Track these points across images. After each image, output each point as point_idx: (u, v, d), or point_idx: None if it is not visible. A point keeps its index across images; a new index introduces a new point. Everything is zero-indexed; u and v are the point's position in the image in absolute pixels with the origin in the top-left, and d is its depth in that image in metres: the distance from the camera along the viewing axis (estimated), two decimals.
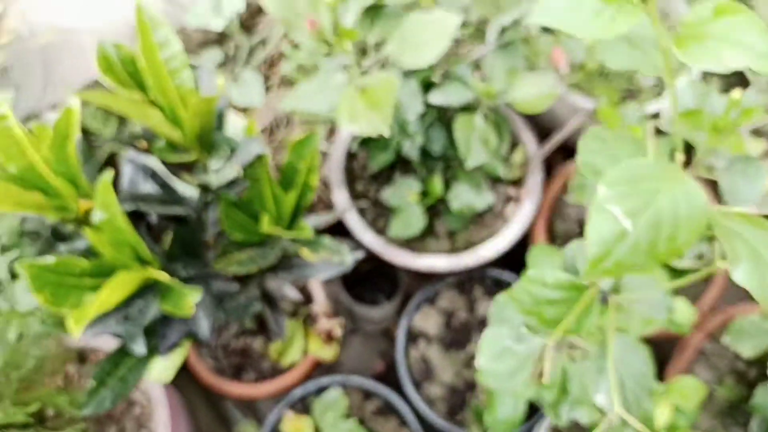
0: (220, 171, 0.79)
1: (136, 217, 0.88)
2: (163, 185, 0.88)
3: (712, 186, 1.07)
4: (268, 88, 1.43)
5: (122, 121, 1.17)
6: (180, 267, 0.86)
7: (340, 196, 1.16)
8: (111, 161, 1.09)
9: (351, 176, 1.21)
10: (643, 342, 0.60)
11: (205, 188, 0.87)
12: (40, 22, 1.34)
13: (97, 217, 0.71)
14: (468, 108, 0.88)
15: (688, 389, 0.75)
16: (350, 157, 1.21)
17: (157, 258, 0.78)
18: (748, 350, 0.91)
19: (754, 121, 0.89)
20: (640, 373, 0.47)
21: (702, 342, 1.14)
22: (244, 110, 1.36)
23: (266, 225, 0.79)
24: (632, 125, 0.89)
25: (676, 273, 0.85)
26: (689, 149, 1.29)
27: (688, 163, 0.97)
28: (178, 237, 0.87)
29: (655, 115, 1.06)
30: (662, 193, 0.30)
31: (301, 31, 0.71)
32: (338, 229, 1.26)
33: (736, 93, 0.82)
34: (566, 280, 0.41)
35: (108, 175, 0.68)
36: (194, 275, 0.87)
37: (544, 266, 0.65)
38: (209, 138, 0.83)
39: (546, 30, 1.20)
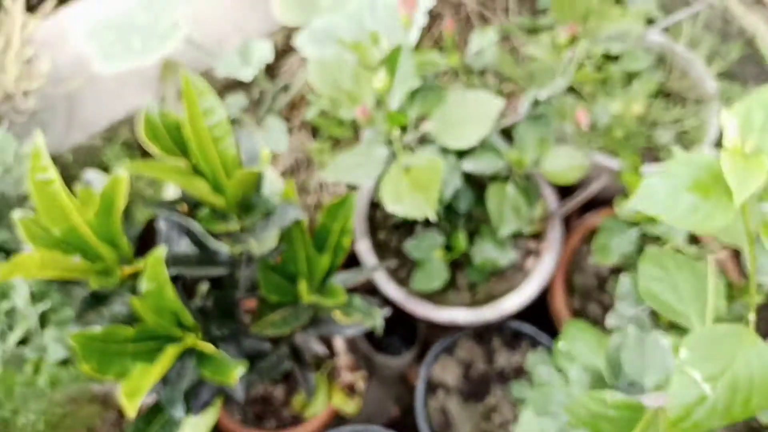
0: (261, 237, 0.81)
1: (173, 279, 0.90)
2: (199, 244, 0.90)
3: None
4: (289, 130, 1.45)
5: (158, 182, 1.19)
6: (214, 327, 0.87)
7: (363, 246, 1.17)
8: (149, 222, 1.11)
9: (373, 225, 1.23)
10: None
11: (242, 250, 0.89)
12: (67, 65, 1.36)
13: (144, 286, 0.73)
14: (498, 176, 0.90)
15: None
16: (373, 205, 1.23)
17: (198, 323, 0.80)
18: None
19: None
20: None
21: None
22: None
23: (304, 292, 0.81)
24: None
25: None
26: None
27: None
28: (213, 296, 0.89)
29: None
30: (738, 358, 0.32)
31: (347, 109, 0.73)
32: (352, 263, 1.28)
33: None
34: (625, 403, 0.43)
35: (161, 250, 0.70)
36: (227, 334, 0.89)
37: (579, 345, 0.67)
38: (250, 202, 0.85)
39: (570, 92, 1.23)
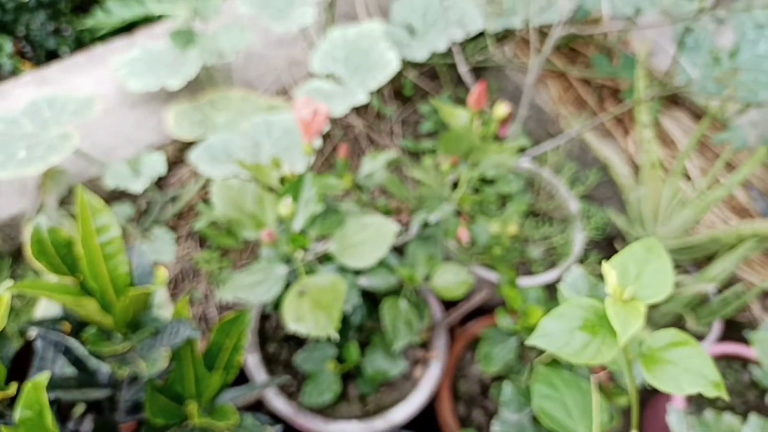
0: (149, 357, 0.77)
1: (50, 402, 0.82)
2: (78, 365, 0.84)
3: None
4: (177, 239, 1.42)
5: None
6: None
7: (252, 360, 1.15)
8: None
9: (263, 337, 1.21)
10: None
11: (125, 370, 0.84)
12: None
13: (18, 414, 0.66)
14: (390, 290, 0.95)
15: None
16: (264, 316, 1.22)
17: None
18: None
19: None
20: None
21: None
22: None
23: (194, 414, 0.77)
24: (533, 306, 1.00)
25: None
26: None
27: None
28: (98, 425, 0.83)
29: (548, 286, 1.19)
30: None
31: (249, 230, 0.74)
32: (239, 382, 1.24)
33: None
34: None
35: (43, 377, 0.65)
36: None
37: None
38: (139, 320, 0.81)
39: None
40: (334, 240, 0.78)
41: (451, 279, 0.92)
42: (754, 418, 0.96)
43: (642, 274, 0.35)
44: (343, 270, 0.81)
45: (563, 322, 0.34)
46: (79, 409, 0.88)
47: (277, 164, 0.83)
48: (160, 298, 1.07)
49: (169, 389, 0.85)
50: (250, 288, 0.77)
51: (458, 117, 0.89)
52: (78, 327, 0.80)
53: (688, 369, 0.33)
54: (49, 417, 0.67)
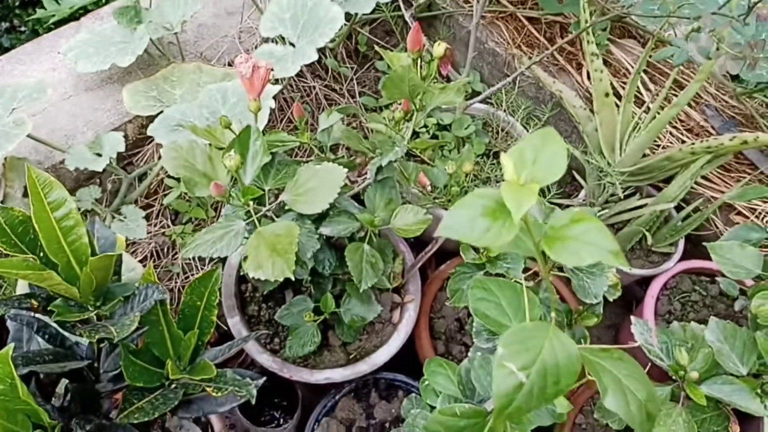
0: (119, 322, 0.79)
1: (26, 376, 0.84)
2: (53, 338, 0.86)
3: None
4: (148, 216, 1.43)
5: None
6: (76, 423, 0.83)
7: (234, 321, 1.18)
8: None
9: (243, 299, 1.23)
10: None
11: (101, 338, 0.86)
12: None
13: None
14: (355, 237, 0.97)
15: None
16: (241, 279, 1.24)
17: (55, 420, 0.76)
18: (616, 423, 1.03)
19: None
20: None
21: (576, 416, 1.28)
22: (126, 242, 1.35)
23: (171, 371, 0.80)
24: None
25: None
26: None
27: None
28: (74, 393, 0.85)
29: None
30: (545, 349, 0.39)
31: (202, 189, 0.76)
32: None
33: (576, 209, 1.00)
34: (472, 410, 0.49)
35: (8, 349, 0.67)
36: (92, 429, 0.84)
37: (439, 378, 0.73)
38: (106, 289, 0.83)
39: (413, 157, 1.36)
40: (287, 190, 0.80)
41: (410, 219, 0.94)
42: (713, 321, 1.00)
43: (538, 159, 0.37)
44: (302, 219, 0.83)
45: (465, 211, 0.36)
46: (62, 386, 0.90)
47: (227, 123, 0.84)
48: (133, 270, 1.09)
49: (146, 353, 0.87)
50: (210, 244, 0.79)
51: (399, 60, 0.90)
52: (46, 303, 0.82)
53: (588, 242, 0.36)
54: (21, 388, 0.69)
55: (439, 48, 0.90)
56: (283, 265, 0.73)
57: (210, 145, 0.87)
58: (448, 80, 1.41)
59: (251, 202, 0.79)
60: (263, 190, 0.81)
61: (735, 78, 1.63)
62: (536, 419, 0.58)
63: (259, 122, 1.14)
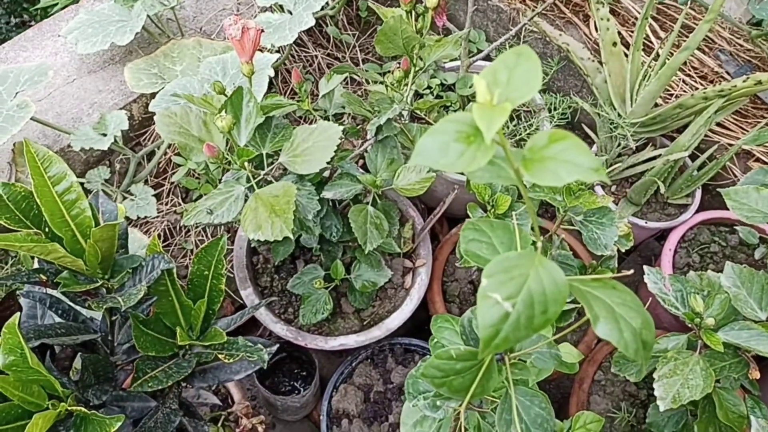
0: (126, 292, 0.80)
1: (41, 351, 0.86)
2: (66, 314, 0.87)
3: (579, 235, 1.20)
4: (159, 195, 1.44)
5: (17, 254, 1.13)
6: (92, 394, 0.84)
7: (247, 293, 1.18)
8: (11, 297, 1.05)
9: (255, 271, 1.24)
10: (541, 388, 0.68)
11: (111, 310, 0.87)
12: None
13: (2, 360, 0.70)
14: (358, 198, 0.96)
15: (589, 422, 0.84)
16: (252, 251, 1.25)
17: (70, 390, 0.77)
18: (633, 375, 1.02)
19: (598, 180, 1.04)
20: (540, 417, 0.54)
21: (595, 373, 1.27)
22: (137, 222, 1.36)
23: (180, 338, 0.80)
24: (501, 195, 1.01)
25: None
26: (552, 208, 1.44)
27: (553, 219, 1.10)
28: (88, 363, 0.86)
29: None
30: (531, 278, 0.38)
31: (198, 154, 0.76)
32: (248, 321, 1.28)
33: None
34: (467, 351, 0.48)
35: (14, 318, 0.68)
36: (108, 400, 0.86)
37: (446, 333, 0.72)
38: (112, 261, 0.84)
39: (418, 119, 1.34)
40: (284, 152, 0.79)
41: (413, 178, 0.93)
42: (729, 266, 0.98)
43: (512, 78, 0.35)
44: (301, 180, 0.83)
45: (438, 137, 0.35)
46: (79, 361, 0.91)
47: (221, 89, 0.84)
48: (143, 243, 1.10)
49: (157, 322, 0.88)
50: (210, 210, 0.79)
51: (392, 14, 0.88)
52: (55, 277, 0.83)
53: (566, 160, 0.34)
54: (32, 358, 0.70)
55: None
56: (282, 225, 0.73)
57: (206, 113, 0.86)
58: (448, 35, 1.38)
59: (250, 166, 0.78)
60: (261, 154, 0.80)
61: (750, 21, 1.57)
62: (540, 365, 0.58)
63: (257, 89, 1.14)
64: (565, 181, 0.34)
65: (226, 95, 0.78)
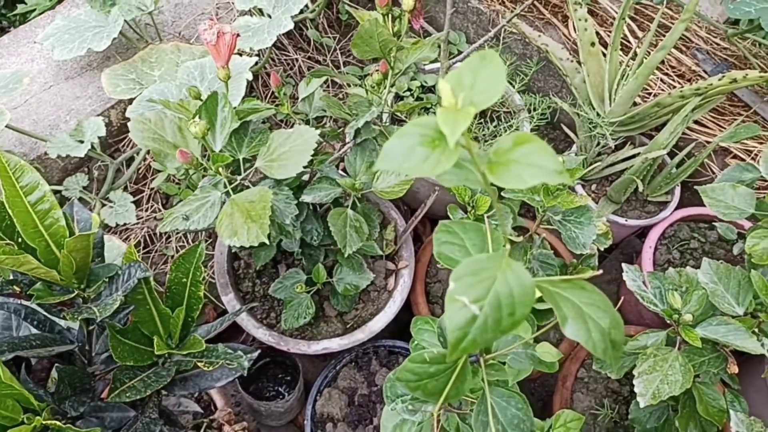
0: (102, 302, 0.79)
1: (16, 363, 0.85)
2: (42, 324, 0.86)
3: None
4: (139, 202, 1.42)
5: None
6: (69, 406, 0.83)
7: (229, 298, 1.17)
8: None
9: (236, 276, 1.23)
10: (526, 387, 0.68)
11: (88, 320, 0.86)
12: None
13: None
14: (339, 201, 0.96)
15: (569, 421, 0.85)
16: (233, 257, 1.24)
17: (46, 402, 0.76)
18: (614, 372, 1.03)
19: (577, 179, 1.05)
20: (517, 418, 0.54)
21: (578, 371, 1.27)
22: (117, 229, 1.35)
23: (158, 347, 0.79)
24: (481, 197, 1.01)
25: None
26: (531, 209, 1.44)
27: (528, 218, 1.11)
28: (63, 375, 0.85)
29: None
30: (498, 280, 0.38)
31: (173, 160, 0.75)
32: (233, 327, 1.27)
33: (560, 157, 0.98)
34: (441, 354, 0.48)
35: None
36: (85, 411, 0.85)
37: (426, 335, 0.72)
38: (88, 270, 0.83)
39: (399, 122, 1.34)
40: (260, 156, 0.79)
41: (392, 181, 0.93)
42: (706, 262, 0.99)
43: (476, 82, 0.35)
44: (278, 184, 0.82)
45: (403, 140, 0.35)
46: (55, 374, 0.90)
47: (196, 95, 0.83)
48: (122, 251, 1.09)
49: (134, 332, 0.87)
50: (186, 217, 0.78)
51: (369, 17, 0.88)
52: (29, 289, 0.81)
53: (530, 163, 0.34)
54: (5, 373, 0.68)
55: (409, 0, 0.87)
56: (258, 230, 0.72)
57: (182, 118, 0.85)
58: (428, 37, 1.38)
59: (226, 172, 0.78)
60: (238, 159, 0.80)
61: (727, 20, 1.58)
62: (516, 366, 0.58)
63: (234, 94, 1.13)
64: (529, 184, 0.34)
65: (201, 100, 0.78)
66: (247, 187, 0.82)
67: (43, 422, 0.71)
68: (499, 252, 0.42)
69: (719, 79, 1.17)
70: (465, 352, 0.36)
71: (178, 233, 1.39)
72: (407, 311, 1.25)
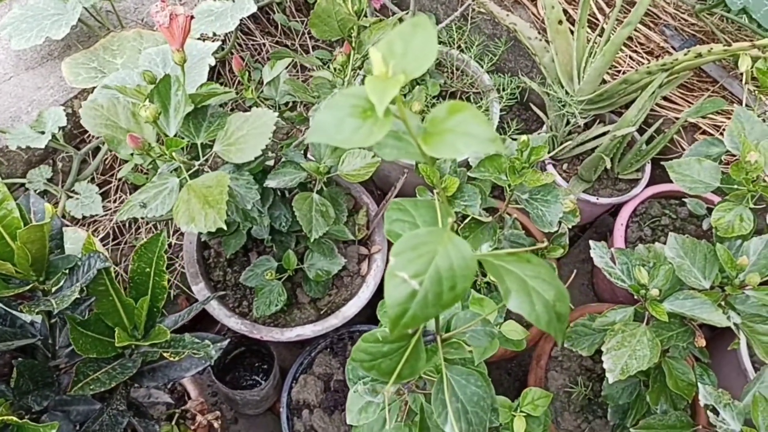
0: (61, 294, 0.77)
1: None
2: (3, 318, 0.84)
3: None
4: (107, 193, 1.40)
5: None
6: (32, 400, 0.82)
7: (199, 288, 1.16)
8: None
9: (207, 266, 1.22)
10: (502, 367, 0.68)
11: (50, 313, 0.84)
12: None
13: None
14: (304, 185, 0.95)
15: (537, 398, 0.85)
16: (203, 246, 1.22)
17: (5, 398, 0.74)
18: (585, 350, 1.03)
19: (542, 156, 1.04)
20: (477, 395, 0.54)
21: (552, 349, 1.28)
22: (85, 221, 1.32)
23: (120, 339, 0.78)
24: (450, 177, 1.00)
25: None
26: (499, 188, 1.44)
27: (502, 199, 1.11)
28: (23, 369, 0.83)
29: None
30: (438, 254, 0.37)
31: (126, 146, 0.73)
32: (202, 317, 1.26)
33: (524, 137, 0.97)
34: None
35: None
36: (50, 405, 0.83)
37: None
38: (46, 262, 0.81)
39: None
40: (218, 141, 0.77)
41: (358, 164, 0.91)
42: (672, 237, 0.99)
43: (408, 50, 0.34)
44: (239, 169, 0.81)
45: (333, 112, 0.34)
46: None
47: (151, 79, 0.81)
48: (81, 238, 1.06)
49: (97, 323, 0.85)
50: (144, 204, 0.77)
51: None
52: None
53: (464, 132, 0.33)
54: None
55: None
56: (215, 215, 0.71)
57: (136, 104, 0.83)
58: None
59: (183, 157, 0.76)
60: (196, 144, 0.78)
61: None
62: (475, 344, 0.57)
63: (195, 79, 1.11)
64: (463, 154, 0.33)
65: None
66: (207, 173, 0.80)
67: (1, 417, 0.69)
68: (440, 227, 0.41)
69: (685, 54, 1.17)
70: (406, 328, 0.35)
71: (147, 224, 1.37)
72: (381, 296, 1.25)
